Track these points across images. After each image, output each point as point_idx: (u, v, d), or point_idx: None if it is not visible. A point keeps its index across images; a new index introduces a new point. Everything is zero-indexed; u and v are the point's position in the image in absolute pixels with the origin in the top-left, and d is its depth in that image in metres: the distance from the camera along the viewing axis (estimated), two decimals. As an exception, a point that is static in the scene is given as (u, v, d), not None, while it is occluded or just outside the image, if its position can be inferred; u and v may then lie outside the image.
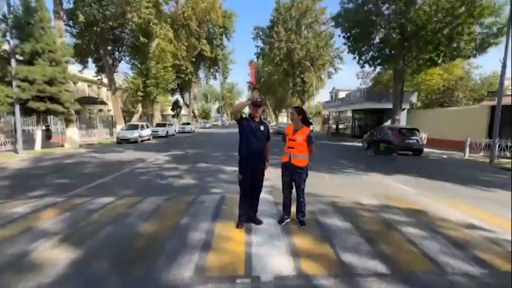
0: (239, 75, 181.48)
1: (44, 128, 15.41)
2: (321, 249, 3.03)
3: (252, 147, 3.47)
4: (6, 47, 12.36)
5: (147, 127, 20.70)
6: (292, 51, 30.58)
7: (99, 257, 2.82)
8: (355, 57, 19.99)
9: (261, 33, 33.68)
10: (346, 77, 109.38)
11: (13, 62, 11.73)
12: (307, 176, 3.66)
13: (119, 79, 25.37)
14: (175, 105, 40.92)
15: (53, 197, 5.07)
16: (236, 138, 3.77)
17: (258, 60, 37.26)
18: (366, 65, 20.24)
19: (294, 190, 3.70)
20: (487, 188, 6.49)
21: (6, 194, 5.44)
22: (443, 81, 25.79)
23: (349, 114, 29.21)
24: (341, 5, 18.92)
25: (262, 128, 3.55)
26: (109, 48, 21.87)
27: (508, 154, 12.48)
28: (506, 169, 9.42)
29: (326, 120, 36.97)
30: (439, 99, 26.31)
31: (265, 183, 3.82)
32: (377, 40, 19.12)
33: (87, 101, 25.08)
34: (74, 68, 19.83)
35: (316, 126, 40.29)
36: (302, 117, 3.61)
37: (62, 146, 15.12)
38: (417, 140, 13.16)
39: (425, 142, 16.33)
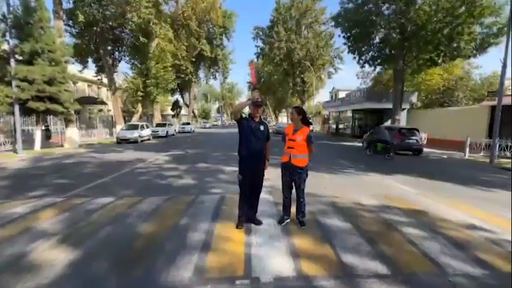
0: (239, 75, 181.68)
1: (43, 128, 15.39)
2: (321, 249, 3.02)
3: (252, 147, 3.46)
4: (5, 46, 12.35)
5: (147, 127, 20.69)
6: (292, 51, 30.58)
7: (98, 257, 2.80)
8: (355, 57, 19.99)
9: (261, 33, 33.68)
10: (346, 77, 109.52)
11: (12, 62, 11.71)
12: (307, 176, 3.64)
13: (119, 79, 25.38)
14: (175, 105, 40.92)
15: (52, 197, 5.06)
16: (236, 138, 3.75)
17: (258, 60, 37.27)
18: (366, 65, 20.26)
19: (293, 190, 3.68)
20: (487, 188, 6.48)
21: (5, 194, 5.43)
22: (443, 81, 25.79)
23: (349, 114, 29.20)
24: (341, 5, 18.92)
25: (262, 128, 3.54)
26: (109, 48, 21.86)
27: (508, 154, 12.46)
28: (507, 169, 9.41)
29: (326, 120, 36.97)
30: (439, 99, 26.30)
31: (265, 183, 3.81)
32: (377, 40, 19.12)
33: (87, 101, 25.07)
34: (73, 68, 19.83)
35: (316, 126, 40.29)
36: (302, 117, 3.60)
37: (62, 146, 15.10)
38: (417, 140, 13.15)
39: (425, 142, 16.33)
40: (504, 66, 10.56)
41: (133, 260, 2.75)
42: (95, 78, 24.09)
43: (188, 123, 34.08)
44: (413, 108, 23.51)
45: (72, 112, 14.93)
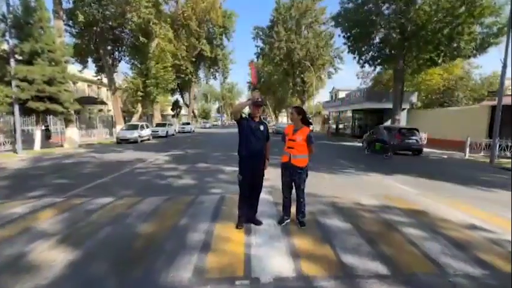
0: (239, 75, 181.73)
1: (43, 128, 15.39)
2: (321, 250, 3.01)
3: (252, 147, 3.45)
4: (5, 46, 12.33)
5: (147, 127, 20.68)
6: (292, 51, 30.57)
7: (97, 258, 2.80)
8: (355, 57, 19.98)
9: (261, 33, 33.68)
10: (346, 77, 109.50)
11: (12, 62, 11.70)
12: (307, 176, 3.63)
13: (119, 79, 25.38)
14: (175, 105, 40.92)
15: (51, 198, 5.05)
16: (236, 138, 3.75)
17: (258, 60, 37.27)
18: (366, 65, 20.25)
19: (293, 190, 3.68)
20: (487, 188, 6.47)
21: (5, 194, 5.42)
22: (443, 81, 25.78)
23: (349, 114, 29.20)
24: (341, 4, 18.91)
25: (262, 128, 3.54)
26: (109, 48, 21.85)
27: (508, 154, 12.45)
28: (507, 169, 9.40)
29: (326, 120, 36.97)
30: (439, 99, 26.29)
31: (264, 183, 3.80)
32: (377, 40, 19.11)
33: (86, 101, 25.07)
34: (73, 68, 19.82)
35: (316, 126, 40.29)
36: (302, 117, 3.59)
37: (62, 146, 15.10)
38: (417, 140, 13.15)
39: (425, 142, 16.33)
40: (504, 66, 10.56)
41: (133, 261, 2.74)
42: (95, 78, 24.10)
43: (188, 123, 34.08)
44: (413, 108, 23.50)
45: (72, 112, 14.93)
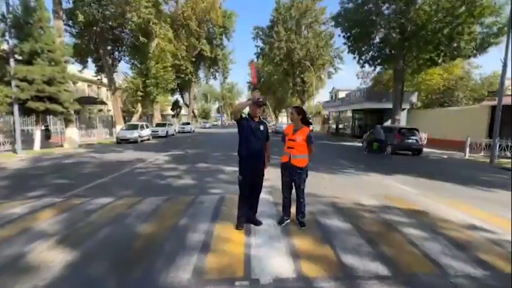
0: (239, 75, 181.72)
1: (43, 128, 15.37)
2: (321, 250, 3.00)
3: (252, 147, 3.44)
4: (5, 46, 12.32)
5: (147, 127, 20.67)
6: (292, 51, 30.56)
7: (96, 258, 2.78)
8: (355, 57, 20.00)
9: (261, 33, 33.68)
10: (346, 77, 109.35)
11: (12, 62, 11.69)
12: (307, 176, 3.62)
13: (119, 79, 25.38)
14: (175, 105, 40.90)
15: (51, 198, 5.04)
16: (236, 138, 3.73)
17: (258, 60, 37.28)
18: (366, 65, 20.28)
19: (293, 190, 3.66)
20: (487, 188, 6.46)
21: (4, 194, 5.41)
22: (443, 81, 25.78)
23: (349, 114, 29.19)
24: (341, 4, 18.93)
25: (261, 127, 3.53)
26: (109, 48, 21.84)
27: (509, 154, 12.45)
28: (507, 169, 9.39)
29: (326, 120, 36.97)
30: (439, 99, 26.29)
31: (264, 183, 3.79)
32: (377, 40, 19.12)
33: (86, 101, 25.05)
34: (73, 68, 19.82)
35: (316, 126, 40.29)
36: (302, 117, 3.57)
37: (61, 146, 15.09)
38: (416, 140, 13.16)
39: (425, 142, 16.32)
40: (504, 66, 10.55)
41: (132, 261, 2.73)
42: (95, 78, 24.08)
43: (188, 123, 34.08)
44: (413, 108, 23.50)
45: (72, 112, 14.92)
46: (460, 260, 2.81)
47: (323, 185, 6.15)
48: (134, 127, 18.79)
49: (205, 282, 2.38)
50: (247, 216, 3.62)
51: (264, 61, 37.81)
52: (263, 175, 3.65)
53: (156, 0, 19.94)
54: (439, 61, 16.99)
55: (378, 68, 22.59)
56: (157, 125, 25.42)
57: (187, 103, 42.17)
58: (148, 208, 4.36)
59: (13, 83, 11.63)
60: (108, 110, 29.45)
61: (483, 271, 2.62)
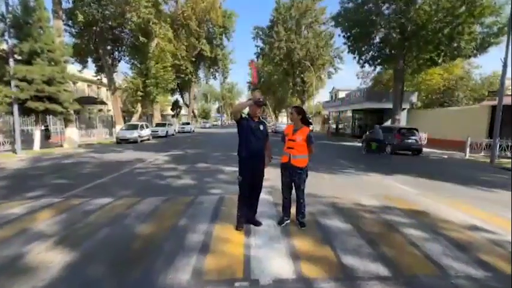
0: (239, 75, 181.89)
1: (42, 128, 15.35)
2: (321, 251, 2.98)
3: (252, 147, 3.42)
4: (4, 46, 12.31)
5: (147, 127, 20.66)
6: (292, 51, 30.55)
7: (95, 259, 2.77)
8: (355, 57, 19.97)
9: (261, 33, 33.66)
10: (346, 77, 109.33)
11: (11, 62, 11.68)
12: (307, 176, 3.60)
13: (119, 79, 25.35)
14: (175, 105, 40.90)
15: (50, 198, 5.02)
16: (235, 138, 3.72)
17: (258, 60, 37.26)
18: (366, 65, 20.24)
19: (293, 191, 3.65)
20: (487, 188, 6.44)
21: (3, 194, 5.39)
22: (443, 81, 25.77)
23: (349, 114, 29.18)
24: (341, 4, 18.90)
25: (261, 127, 3.52)
26: (108, 48, 21.83)
27: (509, 154, 12.43)
28: (507, 169, 9.37)
29: (326, 120, 36.96)
30: (439, 99, 26.28)
31: (264, 183, 3.77)
32: (377, 40, 19.09)
33: (86, 100, 25.02)
34: (73, 68, 19.79)
35: (316, 126, 40.28)
36: (302, 117, 3.56)
37: (61, 146, 15.07)
38: (416, 140, 13.14)
39: (425, 142, 16.32)
40: (505, 66, 10.53)
41: (131, 262, 2.71)
42: (95, 78, 24.09)
43: (188, 123, 34.07)
44: (413, 108, 23.48)
45: (72, 112, 14.90)
46: (461, 261, 2.79)
47: (323, 185, 6.12)
48: (134, 127, 18.77)
49: (205, 283, 2.36)
50: (247, 217, 3.60)
51: (264, 61, 37.80)
52: (263, 175, 3.63)
53: (155, 0, 19.92)
54: (439, 61, 16.96)
55: (378, 68, 22.57)
56: (157, 125, 25.41)
57: (187, 103, 42.16)
58: (147, 208, 4.35)
59: (12, 83, 11.61)
60: (108, 110, 29.42)
61: (484, 272, 2.60)
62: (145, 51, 21.83)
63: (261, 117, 3.62)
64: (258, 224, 3.64)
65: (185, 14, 29.87)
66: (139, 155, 11.32)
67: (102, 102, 29.45)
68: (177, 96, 42.50)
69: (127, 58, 24.09)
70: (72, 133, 15.83)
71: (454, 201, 5.18)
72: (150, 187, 5.99)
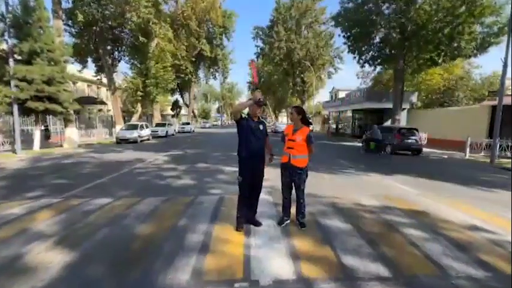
0: (239, 75, 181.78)
1: (42, 128, 15.35)
2: (321, 251, 2.98)
3: (252, 147, 3.41)
4: (4, 46, 12.30)
5: (147, 127, 20.65)
6: (292, 51, 30.55)
7: (94, 259, 2.76)
8: (355, 57, 19.95)
9: (261, 33, 33.66)
10: (346, 77, 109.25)
11: (11, 62, 11.67)
12: (307, 176, 3.60)
13: (119, 79, 25.35)
14: (175, 105, 40.89)
15: (49, 198, 5.01)
16: (235, 138, 3.71)
17: (258, 60, 37.22)
18: (366, 65, 20.22)
19: (293, 191, 3.64)
20: (487, 188, 6.44)
21: (2, 194, 5.39)
22: (443, 81, 25.76)
23: (349, 114, 29.18)
24: (341, 4, 18.89)
25: (261, 127, 3.51)
26: (108, 47, 21.82)
27: (509, 154, 12.43)
28: (507, 169, 9.37)
29: (326, 120, 36.96)
30: (440, 99, 26.27)
31: (264, 183, 3.77)
32: (377, 40, 19.08)
33: (86, 100, 25.01)
34: (73, 68, 19.79)
35: (316, 126, 40.28)
36: (302, 117, 3.55)
37: (61, 146, 15.06)
38: (416, 140, 13.14)
39: (425, 142, 16.31)
40: (505, 66, 10.52)
41: (131, 262, 2.71)
42: (95, 78, 24.08)
43: (188, 123, 34.06)
44: (413, 108, 23.47)
45: (72, 112, 14.90)
46: (461, 261, 2.79)
47: (323, 185, 6.12)
48: (134, 127, 18.76)
49: (204, 283, 2.36)
50: (246, 217, 3.59)
51: (264, 61, 37.79)
52: (263, 175, 3.62)
53: (155, 0, 19.91)
54: (439, 61, 16.95)
55: (378, 68, 22.55)
56: (157, 125, 25.41)
57: (187, 103, 42.15)
58: (147, 209, 4.34)
59: (12, 82, 11.61)
60: (108, 110, 29.41)
61: (484, 272, 2.59)
62: (145, 51, 21.83)
63: (260, 117, 3.62)
64: (258, 224, 3.64)
65: (185, 14, 29.86)
66: (139, 155, 11.31)
67: (102, 102, 29.43)
68: (177, 96, 42.51)
69: (127, 58, 24.10)
70: (72, 133, 15.82)
71: (454, 201, 5.17)
72: (150, 187, 5.98)
